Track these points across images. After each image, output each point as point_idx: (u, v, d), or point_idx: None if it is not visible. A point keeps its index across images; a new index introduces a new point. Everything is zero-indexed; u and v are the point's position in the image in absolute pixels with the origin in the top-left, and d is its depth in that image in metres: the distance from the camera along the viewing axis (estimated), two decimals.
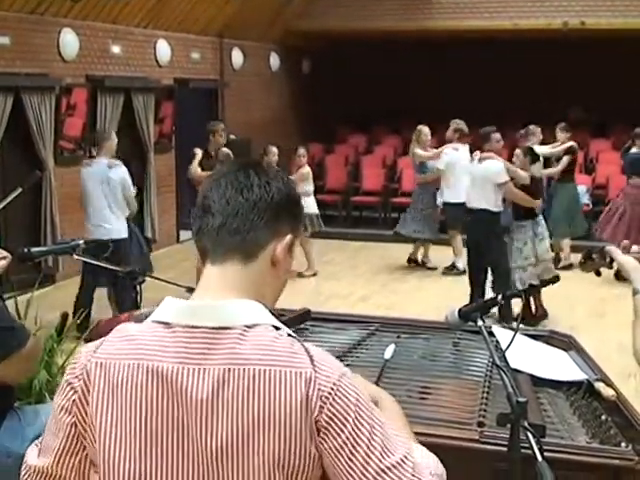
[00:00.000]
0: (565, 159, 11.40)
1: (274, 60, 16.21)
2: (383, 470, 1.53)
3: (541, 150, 11.05)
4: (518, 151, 8.86)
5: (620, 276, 9.76)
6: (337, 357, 3.21)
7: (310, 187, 11.05)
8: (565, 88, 16.28)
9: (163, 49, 12.46)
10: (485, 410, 2.77)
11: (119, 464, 1.60)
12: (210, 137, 9.93)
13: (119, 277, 4.19)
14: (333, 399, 1.54)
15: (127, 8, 11.18)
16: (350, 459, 1.53)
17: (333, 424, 1.53)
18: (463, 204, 9.38)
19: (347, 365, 3.17)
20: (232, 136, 12.16)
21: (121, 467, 1.60)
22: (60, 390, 1.70)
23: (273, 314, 1.69)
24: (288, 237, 1.71)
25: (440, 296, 9.50)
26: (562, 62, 16.27)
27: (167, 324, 1.63)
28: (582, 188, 12.78)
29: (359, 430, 1.54)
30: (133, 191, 8.31)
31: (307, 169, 11.08)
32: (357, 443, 1.53)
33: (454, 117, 11.70)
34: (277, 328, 1.64)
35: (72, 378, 1.67)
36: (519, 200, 8.53)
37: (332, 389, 1.54)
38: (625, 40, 14.91)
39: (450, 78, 17.02)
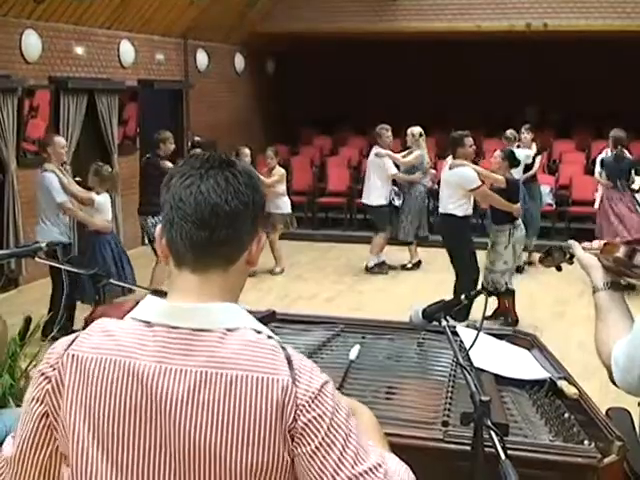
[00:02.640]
0: (537, 160, 11.55)
1: (239, 61, 16.18)
2: (355, 476, 1.53)
3: (524, 153, 11.18)
4: (498, 153, 8.88)
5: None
6: None
7: (284, 187, 11.18)
8: (529, 90, 16.41)
9: (127, 50, 12.38)
10: (449, 410, 2.78)
11: (90, 458, 1.59)
12: (160, 145, 9.87)
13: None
14: (309, 407, 1.54)
15: (90, 9, 11.09)
16: (322, 464, 1.53)
17: (308, 431, 1.53)
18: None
19: None
20: (197, 138, 12.10)
21: (92, 462, 1.59)
22: (33, 382, 1.67)
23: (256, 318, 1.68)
24: (263, 236, 1.72)
25: (406, 296, 9.53)
26: (526, 64, 16.40)
27: (147, 323, 1.62)
28: (546, 188, 12.90)
29: (333, 436, 1.54)
30: (61, 199, 8.04)
31: (282, 170, 11.20)
32: (331, 449, 1.53)
33: (418, 119, 11.78)
34: (258, 332, 1.63)
35: (46, 368, 1.65)
36: (496, 204, 8.58)
37: (310, 398, 1.54)
38: (588, 42, 15.05)
39: (414, 80, 17.08)
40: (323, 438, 1.53)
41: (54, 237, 7.83)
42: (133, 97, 12.59)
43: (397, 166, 11.40)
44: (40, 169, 8.17)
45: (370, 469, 1.54)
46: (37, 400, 1.64)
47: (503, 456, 1.91)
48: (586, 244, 2.62)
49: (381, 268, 11.56)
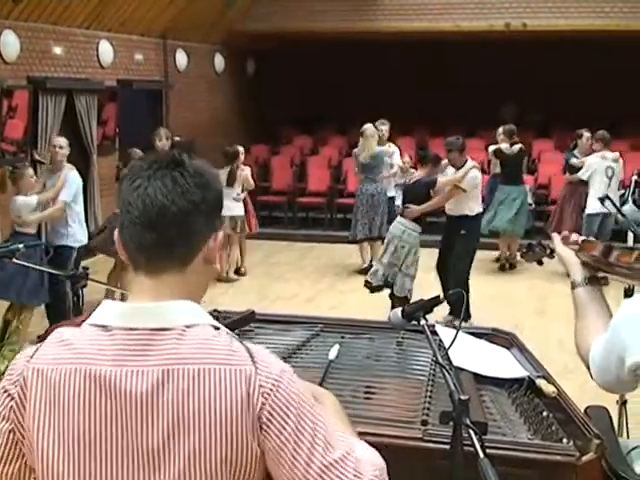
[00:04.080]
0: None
1: (218, 61, 16.14)
2: (326, 466, 1.53)
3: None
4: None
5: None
6: (282, 358, 3.22)
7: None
8: (509, 90, 16.47)
9: (106, 50, 12.31)
10: (429, 409, 2.78)
11: (59, 470, 1.58)
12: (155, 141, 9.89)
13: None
14: (275, 395, 1.53)
15: (69, 9, 11.03)
16: (294, 455, 1.53)
17: (275, 421, 1.53)
18: None
19: (292, 366, 3.18)
20: (177, 137, 12.06)
21: (61, 473, 1.58)
22: None
23: (214, 316, 1.68)
24: (220, 234, 1.70)
25: (386, 296, 9.52)
26: (506, 64, 16.45)
27: (105, 327, 1.61)
28: (525, 188, 12.95)
29: (302, 427, 1.54)
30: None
31: (242, 172, 11.03)
32: (300, 440, 1.54)
33: (398, 118, 11.80)
34: (216, 328, 1.63)
35: (9, 385, 1.63)
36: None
37: (273, 385, 1.54)
38: (568, 42, 15.13)
39: (395, 79, 17.11)
40: (292, 428, 1.53)
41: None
42: (112, 97, 12.53)
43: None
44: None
45: (341, 458, 1.55)
46: (3, 417, 1.63)
47: (482, 454, 1.92)
48: (566, 233, 2.63)
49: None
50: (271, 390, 1.54)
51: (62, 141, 8.57)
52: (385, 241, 8.76)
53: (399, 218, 8.56)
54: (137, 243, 1.62)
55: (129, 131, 12.54)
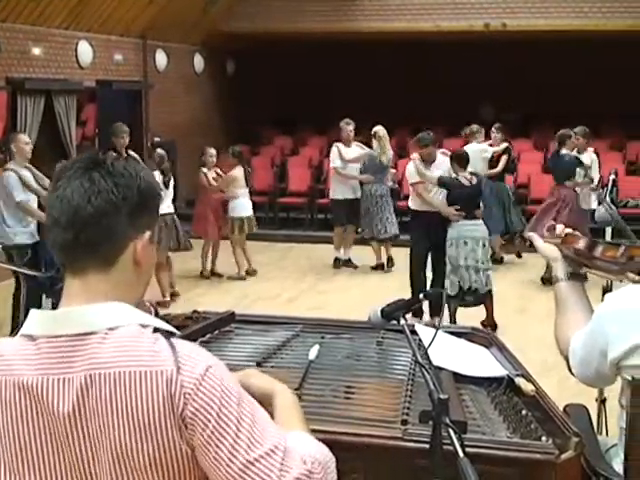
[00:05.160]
0: (504, 158, 11.66)
1: (198, 61, 16.12)
2: (250, 462, 1.52)
3: (488, 147, 11.28)
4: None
5: (546, 280, 9.94)
6: (262, 359, 3.23)
7: (240, 190, 11.01)
8: (489, 89, 16.53)
9: (85, 50, 12.28)
10: (409, 408, 2.78)
11: None
12: (114, 141, 9.89)
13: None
14: (196, 394, 1.52)
15: (48, 9, 10.99)
16: (217, 452, 1.52)
17: (198, 419, 1.52)
18: None
19: (272, 367, 3.18)
20: (156, 138, 12.05)
21: None
22: None
23: (162, 318, 1.66)
24: (147, 234, 1.68)
25: (368, 295, 9.55)
26: (486, 64, 16.51)
27: (31, 337, 1.60)
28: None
29: (225, 423, 1.52)
30: (19, 198, 7.83)
31: (234, 173, 11.00)
32: (222, 436, 1.52)
33: (379, 118, 11.81)
34: (144, 326, 1.61)
35: None
36: (428, 204, 8.66)
37: (195, 385, 1.52)
38: (547, 41, 15.20)
39: (375, 79, 17.14)
40: (214, 426, 1.52)
41: (13, 239, 7.74)
42: (91, 98, 12.51)
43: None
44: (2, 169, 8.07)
45: (267, 453, 1.53)
46: None
47: (461, 453, 1.92)
48: (550, 224, 2.65)
49: (348, 265, 11.63)
50: (192, 390, 1.52)
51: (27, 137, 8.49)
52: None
53: (464, 221, 8.36)
54: (59, 245, 1.63)
55: (109, 131, 12.49)
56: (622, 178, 12.48)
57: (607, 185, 8.48)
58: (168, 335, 1.61)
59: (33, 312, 1.64)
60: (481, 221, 8.50)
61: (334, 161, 11.58)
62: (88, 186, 1.60)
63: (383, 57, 16.82)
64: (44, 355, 1.57)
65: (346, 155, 11.47)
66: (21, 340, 1.61)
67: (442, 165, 8.93)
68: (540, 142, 16.08)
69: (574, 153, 10.72)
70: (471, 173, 8.55)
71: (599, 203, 9.88)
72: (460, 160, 8.59)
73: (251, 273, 11.31)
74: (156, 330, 1.62)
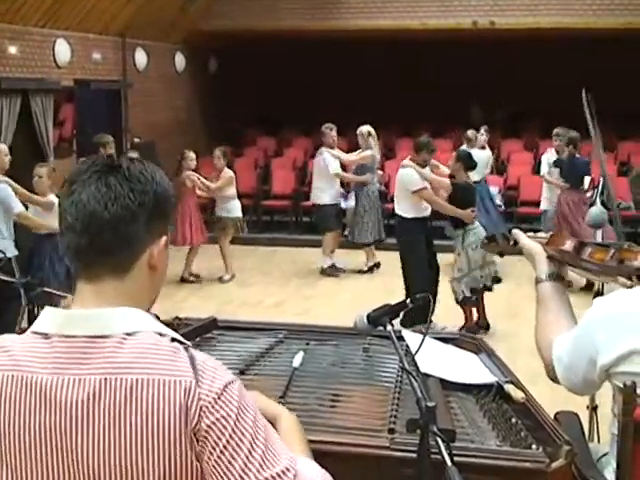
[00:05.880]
0: (491, 161, 11.74)
1: (179, 60, 16.10)
2: None
3: (485, 154, 11.33)
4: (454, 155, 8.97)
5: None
6: (245, 366, 3.22)
7: (233, 190, 11.09)
8: (477, 89, 16.58)
9: (62, 49, 12.23)
10: (396, 416, 2.78)
11: None
12: (100, 150, 9.78)
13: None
14: (213, 408, 1.53)
15: (24, 7, 10.94)
16: (228, 468, 1.53)
17: (212, 434, 1.53)
18: None
19: (255, 375, 3.18)
20: (136, 139, 12.02)
21: None
22: None
23: (166, 324, 1.67)
24: (163, 239, 1.70)
25: (354, 300, 9.55)
26: (475, 63, 16.56)
27: (45, 335, 1.61)
28: (494, 189, 13.04)
29: (239, 439, 1.54)
30: (19, 209, 7.76)
31: (230, 172, 11.09)
32: (236, 453, 1.53)
33: (365, 118, 11.83)
34: (161, 334, 1.62)
35: None
36: (440, 209, 8.66)
37: (213, 399, 1.54)
38: (536, 40, 15.24)
39: (362, 79, 17.17)
40: (228, 441, 1.53)
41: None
42: (69, 98, 12.44)
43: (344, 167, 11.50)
44: None
45: (278, 474, 1.54)
46: None
47: (449, 462, 1.92)
48: (531, 234, 2.65)
49: (334, 270, 11.61)
50: (209, 404, 1.53)
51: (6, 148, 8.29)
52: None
53: (477, 223, 8.60)
54: (74, 250, 1.64)
55: (87, 132, 12.46)
56: (613, 179, 12.52)
57: (597, 187, 8.50)
58: (186, 346, 1.62)
59: (47, 310, 1.66)
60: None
61: (334, 166, 11.44)
62: (105, 191, 1.61)
63: (370, 56, 16.85)
64: (58, 354, 1.58)
65: (347, 158, 11.53)
66: (33, 337, 1.62)
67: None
68: (530, 142, 16.14)
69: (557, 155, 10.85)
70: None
71: (590, 205, 9.95)
72: (467, 162, 8.69)
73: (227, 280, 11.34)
74: (172, 340, 1.63)
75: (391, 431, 2.66)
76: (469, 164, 8.73)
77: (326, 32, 15.24)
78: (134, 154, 9.97)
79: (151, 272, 1.69)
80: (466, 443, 2.63)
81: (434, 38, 15.46)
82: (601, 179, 10.83)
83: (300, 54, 16.91)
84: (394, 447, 2.58)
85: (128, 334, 1.59)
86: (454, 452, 1.99)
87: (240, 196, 14.36)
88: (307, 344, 3.56)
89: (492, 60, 16.47)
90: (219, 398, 1.54)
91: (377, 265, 11.73)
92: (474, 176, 9.74)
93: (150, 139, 13.56)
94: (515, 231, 2.71)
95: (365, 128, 11.43)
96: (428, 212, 8.86)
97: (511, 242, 2.74)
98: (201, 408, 1.53)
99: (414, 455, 2.18)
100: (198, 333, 3.62)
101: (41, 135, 11.73)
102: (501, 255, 2.89)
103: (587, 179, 10.79)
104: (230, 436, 1.53)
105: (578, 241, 2.45)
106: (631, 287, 2.47)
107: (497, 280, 8.72)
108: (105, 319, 1.60)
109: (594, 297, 4.35)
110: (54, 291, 3.91)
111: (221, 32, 15.38)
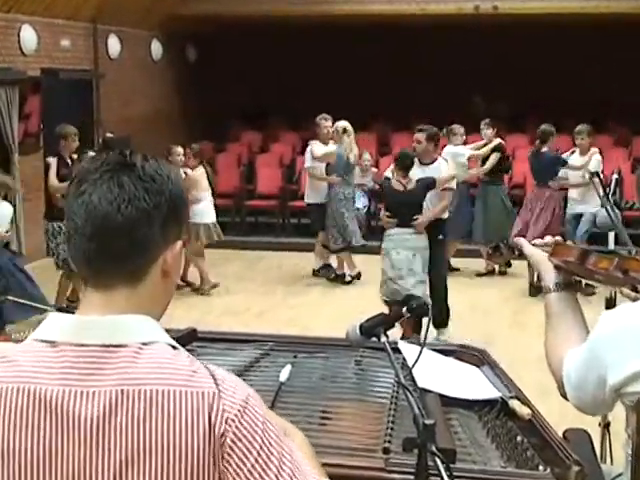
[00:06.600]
0: (493, 157, 11.69)
1: (156, 48, 16.10)
2: None
3: (464, 151, 11.33)
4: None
5: (532, 291, 10.04)
6: None
7: (203, 193, 10.98)
8: (478, 78, 16.59)
9: (28, 36, 12.21)
10: (391, 435, 2.78)
11: None
12: (61, 142, 9.76)
13: None
14: (239, 422, 1.54)
15: None
16: None
17: (238, 450, 1.53)
18: None
19: None
20: (109, 134, 12.00)
21: None
22: None
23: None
24: (178, 244, 1.70)
25: (345, 309, 9.55)
26: (476, 50, 16.57)
27: (52, 343, 1.60)
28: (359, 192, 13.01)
29: (267, 457, 1.55)
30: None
31: (199, 171, 11.02)
32: (265, 471, 1.54)
33: (356, 111, 11.84)
34: (174, 347, 1.63)
35: None
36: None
37: (239, 411, 1.54)
38: (542, 25, 15.26)
39: (354, 69, 17.15)
40: (256, 458, 1.54)
41: None
42: (35, 88, 12.41)
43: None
44: None
45: None
46: None
47: None
48: (537, 241, 2.66)
49: (326, 271, 11.63)
50: (235, 416, 1.54)
51: None
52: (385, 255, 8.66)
53: (396, 229, 8.49)
54: (83, 255, 1.63)
55: (55, 127, 12.42)
56: (627, 177, 12.56)
57: (609, 185, 8.55)
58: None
59: (54, 315, 1.65)
60: (415, 230, 8.47)
61: (306, 161, 11.65)
62: (118, 192, 1.60)
63: (363, 44, 16.84)
64: (68, 364, 1.57)
65: (317, 153, 11.50)
66: (38, 345, 1.61)
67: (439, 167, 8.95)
68: (536, 137, 16.14)
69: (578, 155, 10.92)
70: (419, 180, 8.56)
71: (601, 205, 9.97)
72: (397, 162, 8.69)
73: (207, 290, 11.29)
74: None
75: (386, 451, 2.67)
76: (401, 164, 8.66)
77: (315, 17, 15.24)
78: (91, 153, 9.90)
79: (164, 279, 1.69)
80: (468, 464, 2.64)
81: (432, 24, 15.47)
82: (613, 177, 10.87)
83: (287, 41, 16.89)
84: (389, 468, 2.58)
85: (144, 344, 1.59)
86: (455, 474, 2.00)
87: (222, 196, 14.40)
88: (295, 357, 3.57)
89: (495, 47, 16.47)
90: (244, 411, 1.55)
91: (357, 276, 11.65)
92: (460, 176, 9.88)
93: (124, 134, 13.53)
94: (518, 239, 2.72)
95: (341, 124, 11.32)
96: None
97: (516, 252, 2.76)
98: (226, 421, 1.53)
99: (411, 477, 2.19)
100: None
101: (4, 130, 11.71)
102: (508, 265, 2.92)
103: (563, 172, 10.95)
104: (258, 453, 1.54)
105: (582, 249, 2.46)
106: (636, 299, 2.48)
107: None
108: (120, 327, 1.60)
109: (606, 306, 4.37)
110: (26, 303, 3.90)
111: (201, 17, 15.37)
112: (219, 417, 1.53)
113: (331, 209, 11.32)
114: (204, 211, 10.97)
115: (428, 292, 8.36)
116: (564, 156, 11.31)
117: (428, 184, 8.53)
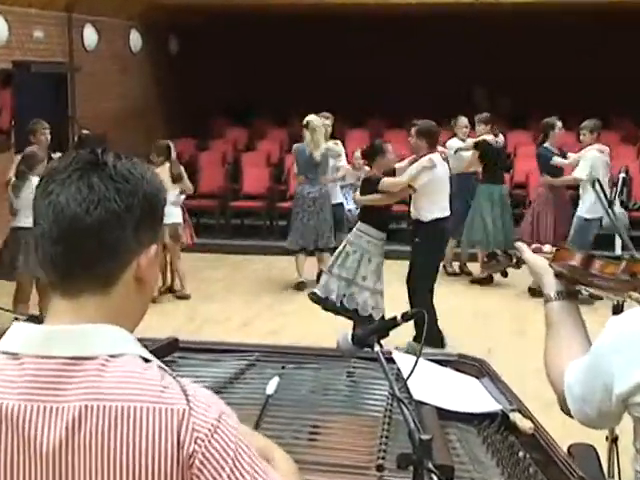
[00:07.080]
0: (470, 155, 11.67)
1: (135, 38, 16.08)
2: None
3: (451, 144, 11.35)
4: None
5: (534, 291, 10.05)
6: None
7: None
8: (477, 72, 16.62)
9: None
10: (385, 451, 2.79)
11: None
12: (30, 138, 9.77)
13: None
14: (209, 442, 1.53)
15: None
16: None
17: (207, 471, 1.53)
18: None
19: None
20: (84, 131, 11.97)
21: None
22: None
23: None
24: (153, 248, 1.69)
25: (337, 318, 9.53)
26: (472, 42, 16.60)
27: (14, 355, 1.59)
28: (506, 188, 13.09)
29: (239, 478, 1.54)
30: None
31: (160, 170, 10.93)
32: None
33: (349, 107, 11.86)
34: (146, 360, 1.62)
35: None
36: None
37: (209, 430, 1.54)
38: (545, 16, 15.29)
39: (346, 61, 17.16)
40: (228, 478, 1.54)
41: None
42: (6, 82, 12.40)
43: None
44: None
45: None
46: None
47: None
48: (535, 246, 2.67)
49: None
50: (206, 436, 1.53)
51: None
52: (338, 249, 8.80)
53: (359, 224, 8.64)
54: (50, 260, 1.62)
55: (27, 123, 12.39)
56: (636, 176, 12.61)
57: (616, 185, 8.57)
58: (173, 375, 1.63)
59: (17, 325, 1.64)
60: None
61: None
62: (87, 193, 1.59)
63: (356, 35, 16.86)
64: (29, 378, 1.56)
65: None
66: (0, 357, 1.61)
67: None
68: (540, 134, 16.17)
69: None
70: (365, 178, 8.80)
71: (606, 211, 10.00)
72: (363, 150, 9.07)
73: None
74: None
75: (379, 468, 2.67)
76: (366, 153, 8.94)
77: (306, 7, 15.27)
78: (57, 155, 9.89)
79: (138, 286, 1.68)
80: None
81: (428, 15, 15.50)
82: (620, 176, 10.92)
83: (275, 32, 16.92)
84: None
85: (112, 356, 1.58)
86: None
87: (205, 196, 14.40)
88: (283, 368, 3.56)
89: (495, 39, 16.51)
90: (215, 431, 1.54)
91: (299, 285, 11.60)
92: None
93: (101, 130, 13.51)
94: (518, 244, 2.72)
95: (307, 118, 11.26)
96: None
97: (514, 259, 2.76)
98: (196, 440, 1.52)
99: None
100: (155, 356, 3.61)
101: None
102: (505, 275, 2.92)
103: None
104: (229, 476, 1.54)
105: (586, 254, 2.47)
106: None
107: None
108: (86, 337, 1.59)
109: (614, 312, 4.38)
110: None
111: (184, 6, 15.38)
112: (188, 436, 1.52)
113: (293, 209, 11.49)
114: (172, 211, 10.86)
115: (372, 303, 8.45)
116: (570, 154, 11.33)
117: (375, 181, 8.61)
